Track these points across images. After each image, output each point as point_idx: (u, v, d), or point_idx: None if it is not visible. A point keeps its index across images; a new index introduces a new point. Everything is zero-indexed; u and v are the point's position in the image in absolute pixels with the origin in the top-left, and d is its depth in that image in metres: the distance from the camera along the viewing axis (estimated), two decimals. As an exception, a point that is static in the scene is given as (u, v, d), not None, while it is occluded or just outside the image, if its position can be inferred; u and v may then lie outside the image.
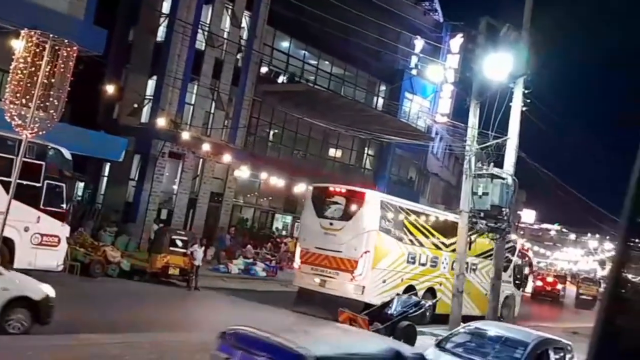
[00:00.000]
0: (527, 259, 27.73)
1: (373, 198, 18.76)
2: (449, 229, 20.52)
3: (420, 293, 19.26)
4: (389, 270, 18.36)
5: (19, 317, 10.65)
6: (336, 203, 18.83)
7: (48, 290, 11.13)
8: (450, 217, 21.78)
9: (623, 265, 2.11)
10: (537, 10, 19.23)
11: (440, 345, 10.78)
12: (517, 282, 25.31)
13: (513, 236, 26.03)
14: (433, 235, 20.30)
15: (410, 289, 18.88)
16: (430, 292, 19.85)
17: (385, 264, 18.27)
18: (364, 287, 17.37)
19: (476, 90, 18.78)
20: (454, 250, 19.60)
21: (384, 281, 18.05)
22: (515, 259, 24.99)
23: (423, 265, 20.03)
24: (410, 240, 19.55)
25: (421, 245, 20.03)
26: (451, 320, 18.37)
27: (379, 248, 18.02)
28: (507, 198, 18.09)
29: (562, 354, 10.82)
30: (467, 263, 19.67)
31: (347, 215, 18.29)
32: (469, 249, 19.08)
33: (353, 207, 18.28)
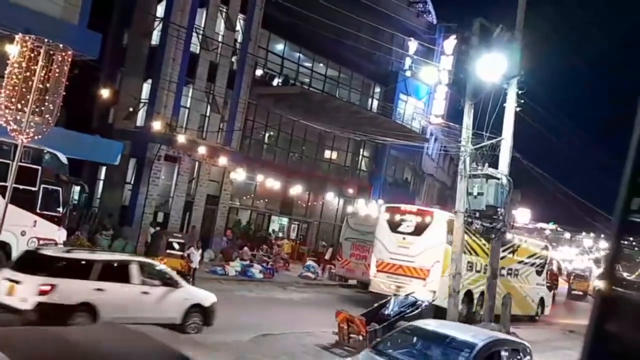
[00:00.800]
0: (557, 265, 31.43)
1: (441, 216, 21.38)
2: (511, 246, 23.97)
3: (476, 296, 21.77)
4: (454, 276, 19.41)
5: (195, 320, 13.19)
6: (408, 220, 21.59)
7: (213, 297, 13.64)
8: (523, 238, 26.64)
9: (616, 265, 2.16)
10: (530, 11, 19.35)
11: (376, 348, 9.73)
12: (549, 285, 28.61)
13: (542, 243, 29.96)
14: (485, 245, 21.72)
15: (469, 293, 21.35)
16: (482, 295, 21.21)
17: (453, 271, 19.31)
18: (435, 291, 19.55)
19: (470, 91, 18.86)
20: (503, 259, 21.48)
21: (451, 286, 19.18)
22: (547, 265, 28.51)
23: (478, 272, 22.09)
24: (469, 251, 21.26)
25: (476, 254, 22.13)
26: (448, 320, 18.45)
27: (446, 259, 19.90)
28: (502, 198, 18.18)
29: (518, 357, 9.94)
30: (510, 268, 23.65)
31: (418, 231, 21.10)
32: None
33: (423, 224, 21.15)
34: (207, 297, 13.63)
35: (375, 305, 15.55)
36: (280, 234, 36.28)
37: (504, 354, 9.54)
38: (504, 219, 18.70)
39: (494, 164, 18.90)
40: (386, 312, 14.92)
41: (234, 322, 15.96)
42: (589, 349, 2.06)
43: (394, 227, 21.58)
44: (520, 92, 19.00)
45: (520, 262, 25.34)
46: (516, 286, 24.60)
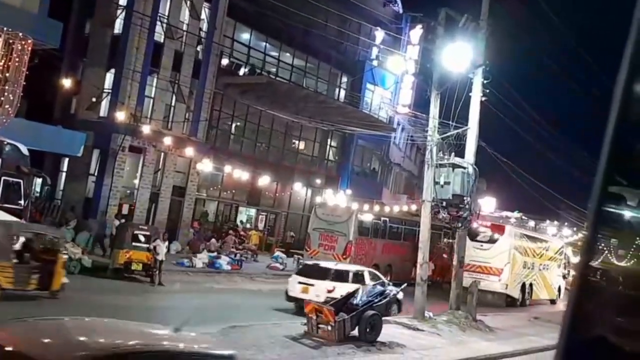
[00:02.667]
0: (567, 257, 37.54)
1: (510, 230, 28.59)
2: (542, 245, 31.32)
3: (527, 287, 29.01)
4: (517, 273, 27.89)
5: (394, 310, 16.88)
6: (483, 232, 27.63)
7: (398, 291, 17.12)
8: (541, 237, 33.18)
9: (591, 255, 2.15)
10: (494, 0, 19.51)
11: None
12: (564, 275, 34.45)
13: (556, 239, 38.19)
14: (534, 250, 29.88)
15: (523, 285, 28.63)
16: (530, 286, 29.35)
17: (516, 269, 27.79)
18: (507, 284, 26.96)
19: (436, 80, 18.99)
20: (541, 257, 30.53)
21: (514, 280, 27.60)
22: (565, 259, 34.98)
23: (529, 269, 29.30)
24: (525, 253, 28.94)
25: (529, 256, 29.33)
26: (417, 310, 18.64)
27: (514, 260, 27.49)
28: (468, 187, 18.39)
29: None
30: (543, 264, 30.74)
31: (492, 240, 27.28)
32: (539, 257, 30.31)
33: (496, 235, 27.55)
34: (397, 291, 17.33)
35: (344, 295, 15.58)
36: (248, 225, 36.12)
37: None
38: (470, 207, 18.93)
39: (461, 153, 19.07)
40: (355, 302, 14.94)
41: (202, 314, 15.85)
42: (566, 339, 2.05)
43: (472, 237, 25.76)
44: (485, 81, 19.18)
45: (550, 258, 31.90)
46: (547, 277, 31.43)
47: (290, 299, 18.03)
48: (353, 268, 19.13)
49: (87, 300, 15.39)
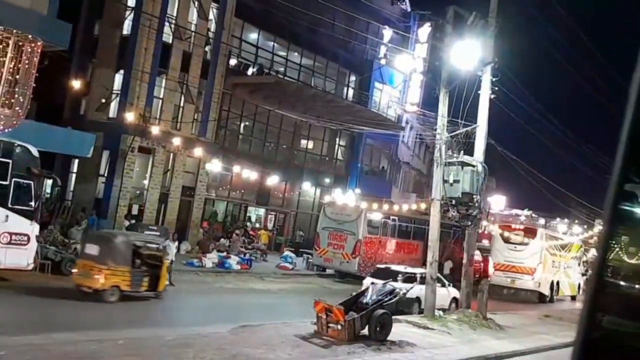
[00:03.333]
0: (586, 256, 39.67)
1: (541, 232, 30.71)
2: (565, 245, 33.10)
3: (554, 284, 30.86)
4: (547, 271, 29.96)
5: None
6: (517, 235, 30.21)
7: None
8: (567, 239, 34.96)
9: (608, 254, 2.14)
10: (503, -2, 19.43)
11: None
12: (583, 273, 35.94)
13: (573, 237, 38.89)
14: (559, 249, 31.96)
15: (552, 282, 30.59)
16: (557, 283, 31.29)
17: (547, 268, 29.96)
18: (539, 283, 29.19)
19: (445, 79, 18.92)
20: (565, 256, 32.51)
21: (545, 278, 29.59)
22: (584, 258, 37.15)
23: (556, 267, 31.48)
24: (553, 254, 30.98)
25: (556, 255, 31.39)
26: (426, 308, 18.61)
27: (545, 260, 29.63)
28: (478, 185, 18.30)
29: None
30: (565, 263, 32.45)
31: (525, 242, 29.52)
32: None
33: (528, 237, 29.86)
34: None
35: (354, 294, 15.57)
36: (257, 225, 36.17)
37: None
38: (479, 205, 18.85)
39: (469, 152, 19.01)
40: (364, 301, 14.92)
41: (213, 313, 15.89)
42: (582, 339, 2.04)
43: (505, 239, 29.75)
44: (494, 79, 19.10)
45: (572, 257, 33.97)
46: (570, 274, 33.41)
47: None
48: (419, 270, 20.68)
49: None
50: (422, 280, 19.07)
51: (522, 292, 30.06)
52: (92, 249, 15.76)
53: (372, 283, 17.62)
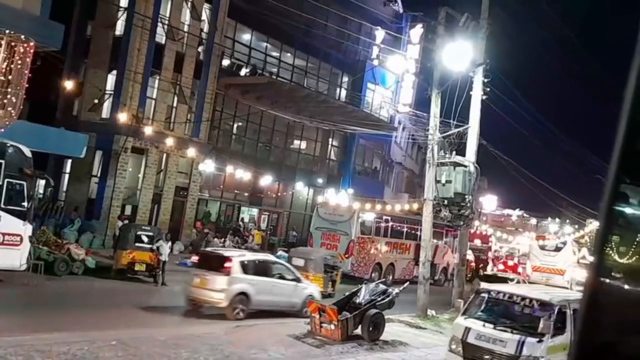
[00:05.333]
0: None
1: (570, 241, 37.47)
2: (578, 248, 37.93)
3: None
4: (573, 271, 33.77)
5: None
6: (550, 243, 36.70)
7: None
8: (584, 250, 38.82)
9: (603, 255, 2.16)
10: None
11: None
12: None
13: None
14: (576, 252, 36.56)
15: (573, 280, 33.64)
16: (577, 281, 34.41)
17: (572, 269, 34.18)
18: (568, 281, 32.61)
19: (437, 79, 19.03)
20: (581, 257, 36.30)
21: (572, 278, 33.04)
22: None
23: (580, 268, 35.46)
24: (575, 256, 35.57)
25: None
26: (418, 307, 18.71)
27: (573, 262, 34.45)
28: (470, 185, 18.42)
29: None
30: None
31: (558, 249, 35.29)
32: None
33: (561, 245, 35.88)
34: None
35: (347, 294, 15.64)
36: (251, 225, 36.16)
37: None
38: (471, 206, 18.97)
39: (462, 152, 19.12)
40: (357, 301, 15.00)
41: (207, 313, 15.92)
42: (580, 340, 2.08)
43: (541, 246, 36.04)
44: (486, 80, 19.23)
45: (582, 257, 36.73)
46: (582, 273, 36.20)
47: None
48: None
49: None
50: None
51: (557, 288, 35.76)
52: (299, 262, 20.95)
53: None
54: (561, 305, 10.52)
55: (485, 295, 11.49)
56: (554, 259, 36.03)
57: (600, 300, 2.13)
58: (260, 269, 16.42)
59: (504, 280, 30.06)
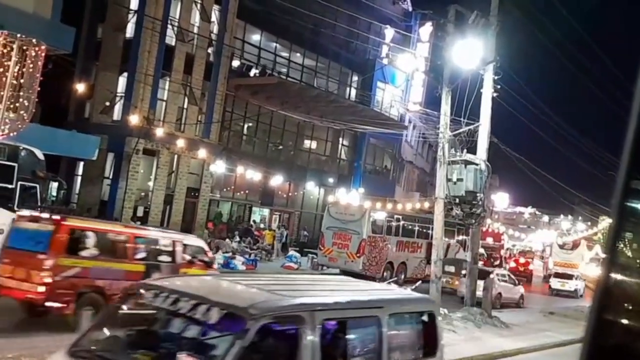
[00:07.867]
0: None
1: (584, 242, 45.80)
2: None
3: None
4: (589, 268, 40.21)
5: None
6: (568, 243, 45.85)
7: None
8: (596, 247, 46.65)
9: (616, 252, 2.14)
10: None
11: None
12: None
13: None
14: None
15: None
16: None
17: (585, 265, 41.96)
18: (584, 279, 37.20)
19: (447, 77, 18.95)
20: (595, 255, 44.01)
21: (585, 272, 38.53)
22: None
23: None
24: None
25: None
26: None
27: (586, 259, 42.13)
28: (481, 183, 18.34)
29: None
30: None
31: (574, 247, 43.68)
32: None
33: (576, 245, 44.61)
34: None
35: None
36: (262, 225, 36.21)
37: None
38: (483, 204, 18.89)
39: (473, 150, 19.05)
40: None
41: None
42: (590, 339, 2.06)
43: (560, 246, 44.90)
44: (496, 77, 19.14)
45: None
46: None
47: None
48: None
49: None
50: None
51: None
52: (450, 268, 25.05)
53: None
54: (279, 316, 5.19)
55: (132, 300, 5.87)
56: (570, 256, 44.74)
57: (612, 298, 2.11)
58: None
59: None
